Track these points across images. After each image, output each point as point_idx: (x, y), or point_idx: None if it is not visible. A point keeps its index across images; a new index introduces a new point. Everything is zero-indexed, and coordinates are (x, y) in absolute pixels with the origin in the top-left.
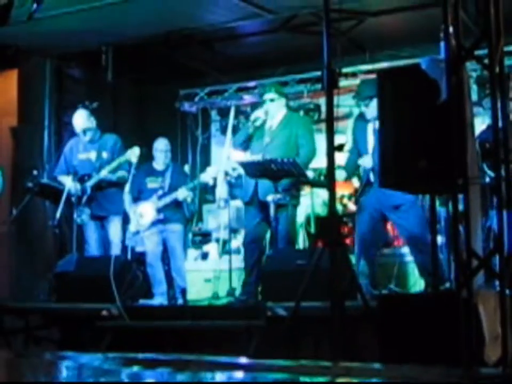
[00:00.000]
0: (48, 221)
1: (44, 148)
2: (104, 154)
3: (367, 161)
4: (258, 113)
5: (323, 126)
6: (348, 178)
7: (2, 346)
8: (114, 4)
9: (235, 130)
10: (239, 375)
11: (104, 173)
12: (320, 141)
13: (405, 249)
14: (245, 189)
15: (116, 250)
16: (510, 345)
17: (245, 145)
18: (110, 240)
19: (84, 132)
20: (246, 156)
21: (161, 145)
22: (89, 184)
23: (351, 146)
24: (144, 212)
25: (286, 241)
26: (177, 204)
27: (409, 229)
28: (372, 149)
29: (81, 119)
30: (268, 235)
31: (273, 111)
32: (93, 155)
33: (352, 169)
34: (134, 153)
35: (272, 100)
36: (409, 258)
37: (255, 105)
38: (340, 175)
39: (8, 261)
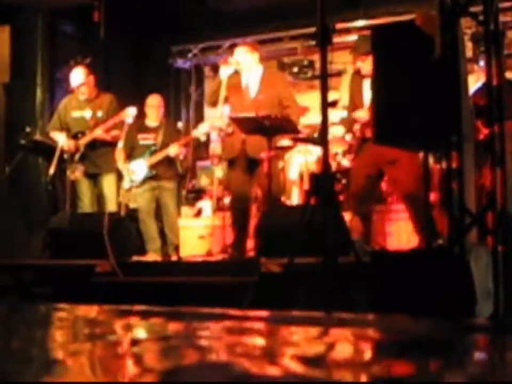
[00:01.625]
0: (41, 178)
1: (37, 104)
2: (99, 113)
3: (362, 115)
4: (229, 62)
5: (317, 82)
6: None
7: None
8: None
9: None
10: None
11: (98, 132)
12: (314, 98)
13: (399, 206)
14: (231, 145)
15: (110, 206)
16: (501, 301)
17: (215, 100)
18: (104, 196)
19: (80, 89)
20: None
21: (153, 102)
22: (83, 141)
23: (348, 103)
24: (137, 169)
25: (278, 198)
26: (170, 161)
27: (405, 184)
28: (368, 104)
29: (78, 76)
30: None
31: (247, 65)
32: (87, 113)
33: (349, 125)
34: (130, 113)
35: (244, 52)
36: (402, 215)
37: None
38: (338, 130)
39: (1, 218)
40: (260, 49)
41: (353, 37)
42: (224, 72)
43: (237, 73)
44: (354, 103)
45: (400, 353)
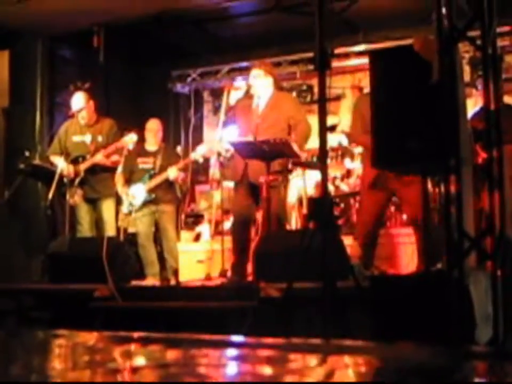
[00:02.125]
0: (40, 202)
1: (36, 129)
2: (100, 138)
3: None
4: (240, 85)
5: (315, 107)
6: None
7: None
8: None
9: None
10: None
11: (99, 157)
12: (313, 122)
13: (398, 230)
14: (234, 169)
15: (110, 231)
16: (501, 325)
17: (228, 121)
18: (103, 221)
19: (80, 114)
20: (233, 136)
21: (152, 126)
22: (83, 166)
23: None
24: (136, 193)
25: (278, 222)
26: (169, 185)
27: (416, 206)
28: None
29: (79, 101)
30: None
31: (259, 88)
32: (88, 138)
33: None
34: (130, 140)
35: (257, 76)
36: (402, 239)
37: None
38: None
39: (1, 242)
40: (274, 73)
41: (352, 62)
42: (235, 96)
43: (249, 95)
44: (364, 125)
45: (399, 381)
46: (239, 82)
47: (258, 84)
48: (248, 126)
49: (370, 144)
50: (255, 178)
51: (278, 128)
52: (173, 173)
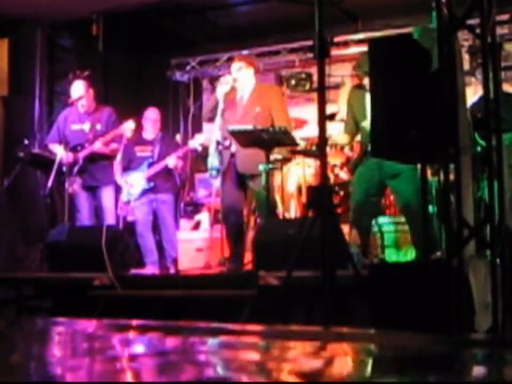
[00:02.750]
0: (39, 191)
1: (35, 117)
2: (98, 126)
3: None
4: (225, 80)
5: (315, 95)
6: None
7: None
8: None
9: None
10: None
11: (97, 145)
12: (312, 111)
13: (398, 219)
14: (222, 159)
15: (109, 219)
16: (500, 314)
17: (213, 116)
18: (103, 209)
19: (80, 102)
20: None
21: (151, 115)
22: (82, 154)
23: (348, 118)
24: (134, 181)
25: (274, 210)
26: (167, 173)
27: (407, 197)
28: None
29: (78, 89)
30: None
31: (242, 80)
32: (86, 126)
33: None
34: (128, 127)
35: (239, 69)
36: (401, 227)
37: None
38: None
39: (0, 231)
40: (256, 63)
41: (351, 50)
42: (221, 90)
43: (233, 88)
44: (354, 117)
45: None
46: (226, 77)
47: (241, 75)
48: (233, 118)
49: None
50: (243, 169)
51: (261, 119)
52: (171, 161)
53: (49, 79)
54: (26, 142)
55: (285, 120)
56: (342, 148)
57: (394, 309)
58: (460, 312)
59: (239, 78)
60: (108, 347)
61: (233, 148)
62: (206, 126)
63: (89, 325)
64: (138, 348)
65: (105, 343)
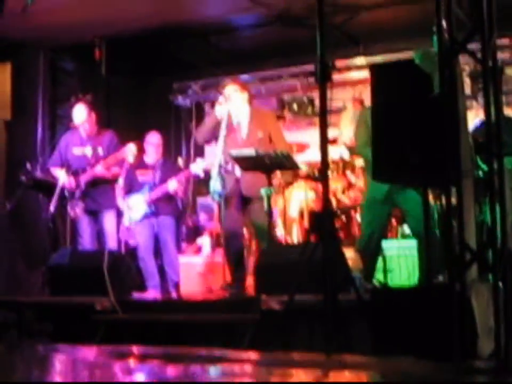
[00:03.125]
0: (41, 214)
1: (37, 141)
2: (100, 150)
3: None
4: (223, 99)
5: (316, 119)
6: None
7: None
8: None
9: None
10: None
11: (99, 169)
12: (314, 135)
13: (399, 242)
14: (225, 183)
15: (111, 243)
16: (503, 338)
17: (210, 138)
18: (104, 233)
19: (82, 126)
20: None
21: (153, 139)
22: (84, 178)
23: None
24: (135, 205)
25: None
26: (169, 197)
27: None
28: None
29: (80, 113)
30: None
31: (236, 104)
32: (88, 150)
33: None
34: (130, 151)
35: (234, 91)
36: (403, 251)
37: None
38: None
39: (1, 255)
40: (248, 89)
41: (353, 74)
42: (220, 110)
43: (228, 113)
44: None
45: None
46: (221, 98)
47: (235, 99)
48: (235, 143)
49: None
50: (248, 193)
51: (263, 143)
52: (172, 185)
53: (51, 102)
54: (28, 165)
55: (286, 145)
56: (344, 172)
57: (396, 334)
58: (462, 337)
59: (232, 101)
60: (109, 375)
61: (238, 172)
62: (208, 149)
63: (90, 352)
64: (139, 377)
65: (106, 371)
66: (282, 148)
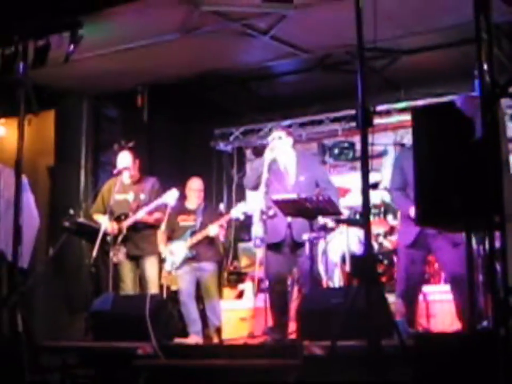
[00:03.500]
0: (84, 260)
1: (81, 187)
2: (142, 196)
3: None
4: (273, 145)
5: (358, 164)
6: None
7: None
8: (150, 45)
9: None
10: None
11: (141, 214)
12: (355, 179)
13: (442, 287)
14: (275, 229)
15: (153, 288)
16: None
17: (259, 183)
18: (146, 278)
19: (124, 172)
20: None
21: (194, 185)
22: (126, 224)
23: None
24: (177, 250)
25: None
26: (210, 242)
27: (453, 265)
28: None
29: (125, 160)
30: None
31: (281, 149)
32: (130, 196)
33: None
34: (172, 196)
35: (279, 138)
36: (445, 296)
37: None
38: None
39: (45, 300)
40: (293, 134)
41: (393, 119)
42: (269, 155)
43: (275, 159)
44: (402, 179)
45: None
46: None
47: (281, 145)
48: (283, 188)
49: (398, 199)
50: (299, 238)
51: (311, 188)
52: (213, 229)
53: (94, 149)
54: (72, 211)
55: (332, 190)
56: (385, 217)
57: (440, 380)
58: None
59: (278, 147)
60: None
61: (290, 218)
62: (250, 194)
63: None
64: None
65: None
66: (331, 192)
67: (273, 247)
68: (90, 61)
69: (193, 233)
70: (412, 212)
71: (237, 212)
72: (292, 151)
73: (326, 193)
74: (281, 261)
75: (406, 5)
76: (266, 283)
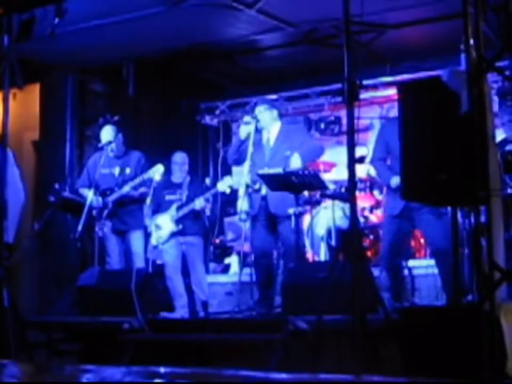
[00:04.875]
0: (70, 235)
1: (66, 162)
2: (127, 170)
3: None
4: (247, 119)
5: (344, 138)
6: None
7: (24, 360)
8: (136, 19)
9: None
10: None
11: (126, 189)
12: (341, 153)
13: (427, 262)
14: (252, 202)
15: (139, 263)
16: None
17: (237, 158)
18: (132, 253)
19: (109, 146)
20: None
21: (178, 159)
22: (111, 198)
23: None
24: (163, 224)
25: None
26: (196, 216)
27: (438, 238)
28: None
29: (108, 134)
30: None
31: (266, 122)
32: (116, 170)
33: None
34: (158, 171)
35: (264, 110)
36: (431, 270)
37: None
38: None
39: (30, 275)
40: (276, 106)
41: (380, 93)
42: (244, 130)
43: (258, 131)
44: (385, 150)
45: None
46: (247, 117)
47: (265, 117)
48: (261, 161)
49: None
50: (276, 211)
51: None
52: (200, 203)
53: (79, 123)
54: (57, 186)
55: (312, 145)
56: (371, 191)
57: (425, 353)
58: (491, 357)
59: (262, 119)
60: None
61: (264, 190)
62: (236, 169)
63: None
64: None
65: None
66: (307, 148)
67: (254, 220)
68: (75, 35)
69: (179, 207)
70: (393, 181)
71: (223, 185)
72: (277, 123)
73: (312, 169)
74: (263, 234)
75: None
76: (253, 257)
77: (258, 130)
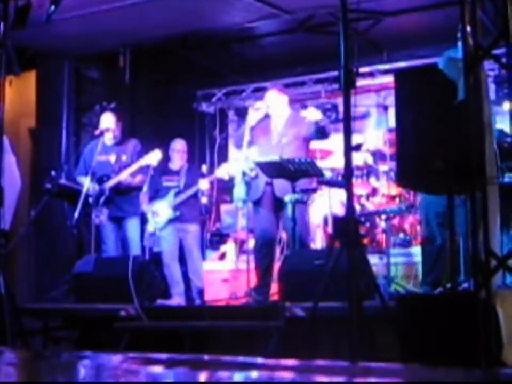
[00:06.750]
0: (66, 222)
1: (62, 149)
2: (124, 157)
3: None
4: (258, 105)
5: (340, 125)
6: None
7: (21, 347)
8: (132, 6)
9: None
10: (256, 374)
11: (123, 176)
12: (338, 141)
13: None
14: (256, 187)
15: (135, 250)
16: None
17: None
18: (128, 240)
19: (106, 133)
20: (253, 154)
21: (178, 146)
22: (108, 185)
23: None
24: (160, 210)
25: (303, 241)
26: (193, 202)
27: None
28: None
29: (108, 121)
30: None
31: (276, 108)
32: (112, 157)
33: None
34: (155, 157)
35: (273, 96)
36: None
37: None
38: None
39: (27, 262)
40: (288, 93)
41: (377, 80)
42: (253, 116)
43: (267, 117)
44: None
45: None
46: (258, 103)
47: (275, 103)
48: (268, 146)
49: None
50: (280, 192)
51: (296, 145)
52: (203, 184)
53: (76, 110)
54: (53, 173)
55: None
56: (367, 178)
57: (421, 340)
58: (487, 344)
59: (272, 106)
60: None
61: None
62: (232, 156)
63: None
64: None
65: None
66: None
67: (256, 204)
68: (71, 22)
69: (177, 193)
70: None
71: (222, 172)
72: (286, 110)
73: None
74: (266, 218)
75: None
76: (250, 244)
77: (267, 116)
